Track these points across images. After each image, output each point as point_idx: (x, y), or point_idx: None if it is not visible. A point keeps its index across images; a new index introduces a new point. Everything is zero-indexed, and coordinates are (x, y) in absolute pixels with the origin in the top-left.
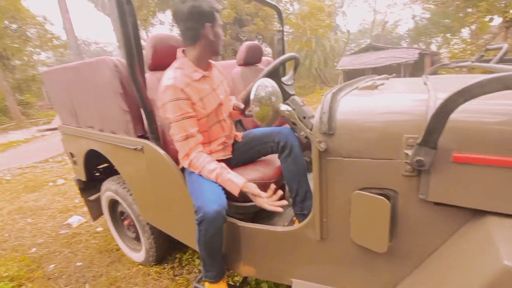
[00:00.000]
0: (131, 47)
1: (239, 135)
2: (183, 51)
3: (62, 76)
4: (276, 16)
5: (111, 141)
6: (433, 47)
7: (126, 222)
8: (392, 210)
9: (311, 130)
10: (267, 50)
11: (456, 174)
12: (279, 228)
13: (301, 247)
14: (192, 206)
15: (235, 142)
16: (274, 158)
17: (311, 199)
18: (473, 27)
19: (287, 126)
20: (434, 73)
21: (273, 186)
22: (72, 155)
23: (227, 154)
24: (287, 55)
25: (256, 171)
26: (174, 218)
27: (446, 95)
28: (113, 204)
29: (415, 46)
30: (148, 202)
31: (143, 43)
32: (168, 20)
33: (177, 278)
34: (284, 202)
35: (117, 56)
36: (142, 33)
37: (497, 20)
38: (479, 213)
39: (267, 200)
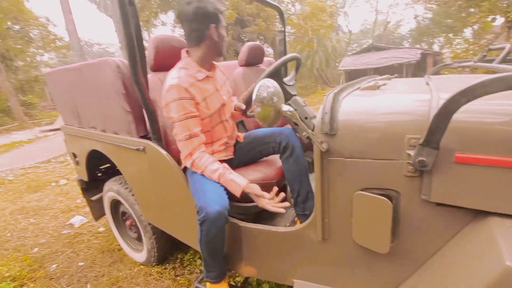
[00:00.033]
0: (133, 48)
1: (241, 135)
2: (187, 52)
3: (64, 77)
4: (277, 16)
5: (113, 142)
6: (436, 47)
7: (128, 222)
8: (394, 210)
9: (312, 130)
10: (268, 50)
11: (458, 174)
12: (280, 229)
13: (303, 247)
14: (194, 206)
15: (237, 143)
16: (276, 158)
17: (312, 200)
18: (475, 27)
19: (288, 126)
20: (437, 73)
21: (275, 188)
22: (74, 155)
23: (229, 154)
24: (288, 55)
25: (258, 172)
26: (176, 218)
27: (449, 95)
28: (115, 204)
29: (417, 46)
30: (150, 202)
31: (145, 44)
32: (170, 21)
33: (178, 278)
34: (287, 204)
35: (120, 57)
36: (144, 34)
37: (500, 20)
38: (481, 214)
39: (270, 201)
